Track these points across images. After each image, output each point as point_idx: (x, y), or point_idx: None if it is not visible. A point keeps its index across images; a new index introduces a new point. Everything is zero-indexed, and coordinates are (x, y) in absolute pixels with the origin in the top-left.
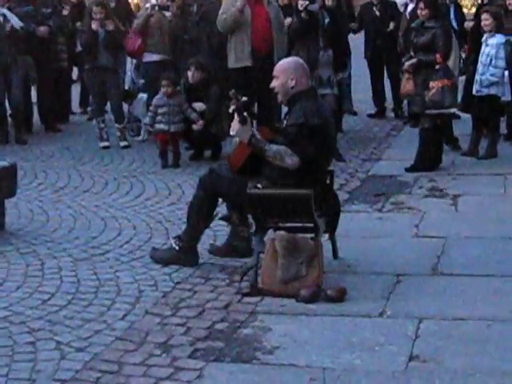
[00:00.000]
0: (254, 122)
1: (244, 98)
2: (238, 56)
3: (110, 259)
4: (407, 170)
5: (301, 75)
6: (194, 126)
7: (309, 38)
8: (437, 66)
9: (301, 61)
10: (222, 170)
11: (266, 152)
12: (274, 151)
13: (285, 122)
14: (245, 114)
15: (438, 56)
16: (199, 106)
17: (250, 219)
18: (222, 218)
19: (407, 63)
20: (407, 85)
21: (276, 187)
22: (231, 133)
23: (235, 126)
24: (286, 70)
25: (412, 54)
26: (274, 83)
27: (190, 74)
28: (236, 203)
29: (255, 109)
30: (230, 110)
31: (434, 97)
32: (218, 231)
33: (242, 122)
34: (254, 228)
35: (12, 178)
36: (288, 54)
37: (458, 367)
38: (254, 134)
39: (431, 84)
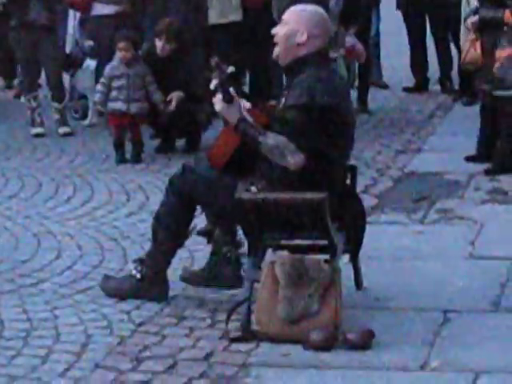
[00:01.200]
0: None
1: (230, 69)
2: (222, 8)
3: (46, 291)
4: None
5: (318, 33)
6: (169, 108)
7: None
8: (505, 28)
9: (324, 13)
10: (200, 167)
11: (261, 145)
12: (270, 144)
13: (283, 99)
14: (231, 89)
15: (507, 13)
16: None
17: (241, 235)
18: (199, 233)
19: (469, 20)
20: (471, 49)
21: (277, 190)
22: (216, 108)
23: (218, 103)
24: (298, 18)
25: (476, 3)
26: (277, 29)
27: (158, 43)
28: (220, 213)
29: (246, 81)
30: (212, 86)
31: (497, 72)
32: (196, 251)
33: (228, 100)
34: (245, 247)
35: None
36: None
37: None
38: (244, 118)
39: (497, 53)
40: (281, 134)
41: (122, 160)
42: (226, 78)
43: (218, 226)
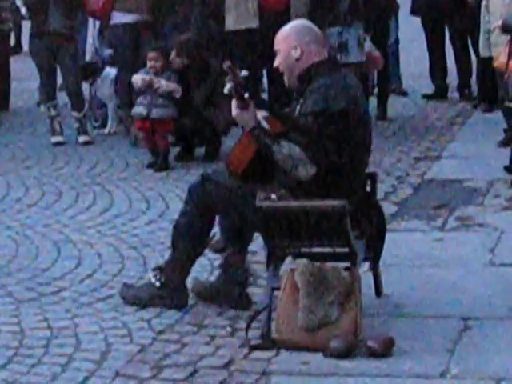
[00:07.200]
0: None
1: (244, 73)
2: (239, 14)
3: (66, 300)
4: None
5: (308, 41)
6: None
7: None
8: None
9: (307, 23)
10: (219, 176)
11: (274, 154)
12: (284, 154)
13: (297, 107)
14: (245, 94)
15: None
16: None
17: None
18: (214, 250)
19: (495, 24)
20: (501, 56)
21: (296, 198)
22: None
23: (234, 109)
24: (285, 39)
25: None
26: (276, 61)
27: (172, 56)
28: (239, 221)
29: (264, 87)
30: (226, 90)
31: (508, 82)
32: (215, 259)
33: (242, 106)
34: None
35: None
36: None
37: None
38: (259, 125)
39: (511, 64)
40: (298, 141)
41: (153, 164)
42: (240, 82)
43: (230, 243)
